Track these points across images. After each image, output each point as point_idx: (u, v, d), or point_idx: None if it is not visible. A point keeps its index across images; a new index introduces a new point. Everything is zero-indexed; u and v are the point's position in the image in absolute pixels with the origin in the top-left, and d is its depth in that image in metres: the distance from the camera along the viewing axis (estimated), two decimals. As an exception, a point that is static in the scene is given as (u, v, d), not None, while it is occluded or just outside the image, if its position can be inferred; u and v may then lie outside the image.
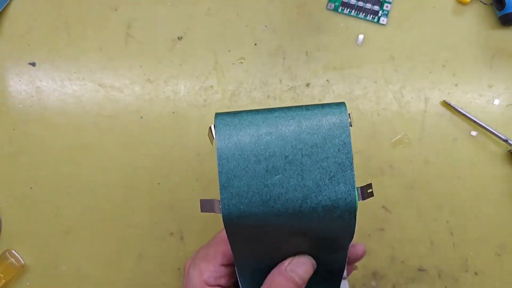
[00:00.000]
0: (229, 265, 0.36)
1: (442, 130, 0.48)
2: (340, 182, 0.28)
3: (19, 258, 0.48)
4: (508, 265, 0.47)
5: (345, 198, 0.28)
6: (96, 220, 0.48)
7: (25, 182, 0.49)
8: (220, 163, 0.28)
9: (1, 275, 0.47)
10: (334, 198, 0.28)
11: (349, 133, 0.28)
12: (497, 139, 0.47)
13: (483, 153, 0.48)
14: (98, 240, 0.48)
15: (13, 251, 0.48)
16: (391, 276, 0.47)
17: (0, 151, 0.49)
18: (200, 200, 0.29)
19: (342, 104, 0.29)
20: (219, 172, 0.28)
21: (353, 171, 0.28)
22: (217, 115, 0.29)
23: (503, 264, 0.47)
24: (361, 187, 0.29)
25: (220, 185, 0.28)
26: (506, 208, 0.47)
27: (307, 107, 0.29)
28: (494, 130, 0.47)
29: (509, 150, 0.47)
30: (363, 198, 0.29)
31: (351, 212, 0.28)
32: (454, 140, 0.48)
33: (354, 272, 0.47)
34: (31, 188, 0.48)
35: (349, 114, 0.28)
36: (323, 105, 0.29)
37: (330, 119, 0.28)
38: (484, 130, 0.47)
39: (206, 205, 0.29)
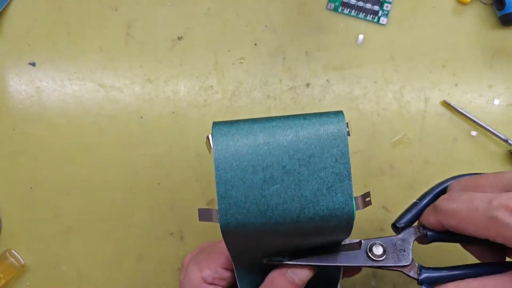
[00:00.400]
0: (229, 269, 0.36)
1: (442, 130, 0.48)
2: (338, 192, 0.28)
3: (19, 258, 0.48)
4: (508, 265, 0.47)
5: (343, 208, 0.28)
6: (96, 220, 0.48)
7: (25, 182, 0.49)
8: (218, 173, 0.28)
9: (1, 275, 0.47)
10: (332, 208, 0.28)
11: (347, 143, 0.28)
12: (497, 139, 0.47)
13: (483, 153, 0.48)
14: (98, 240, 0.48)
15: (13, 251, 0.48)
16: (391, 276, 0.47)
17: (0, 151, 0.49)
18: (198, 209, 0.29)
19: (340, 113, 0.29)
20: (216, 182, 0.28)
21: (351, 181, 0.28)
22: (215, 124, 0.29)
23: (503, 264, 0.47)
24: (359, 197, 0.29)
25: (217, 195, 0.28)
26: (506, 208, 0.47)
27: (304, 116, 0.29)
28: (494, 130, 0.47)
29: (509, 150, 0.47)
30: (361, 208, 0.29)
31: (349, 222, 0.28)
32: (454, 140, 0.48)
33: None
34: (31, 188, 0.49)
35: (347, 123, 0.28)
36: (321, 114, 0.29)
37: (327, 129, 0.28)
38: (484, 130, 0.47)
39: (204, 215, 0.29)
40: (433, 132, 0.48)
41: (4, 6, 0.49)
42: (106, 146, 0.48)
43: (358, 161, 0.48)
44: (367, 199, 0.29)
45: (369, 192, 0.29)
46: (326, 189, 0.28)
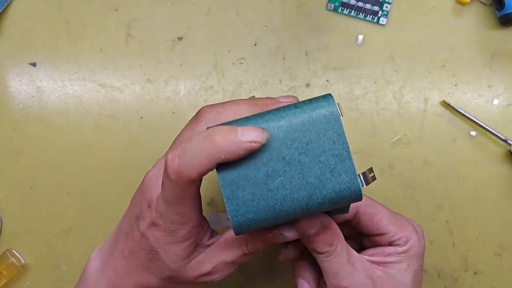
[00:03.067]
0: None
1: (442, 130, 0.48)
2: (342, 173, 0.28)
3: (20, 258, 0.48)
4: (508, 265, 0.47)
5: (349, 187, 0.28)
6: (96, 220, 0.48)
7: (25, 182, 0.49)
8: (221, 176, 0.28)
9: (4, 272, 0.47)
10: (339, 190, 0.28)
11: (341, 124, 0.28)
12: (497, 139, 0.47)
13: (483, 153, 0.48)
14: (98, 240, 0.48)
15: (13, 251, 0.48)
16: (391, 276, 0.47)
17: (0, 151, 0.49)
18: (208, 217, 0.30)
19: (329, 96, 0.29)
20: (221, 185, 0.28)
21: (351, 160, 0.28)
22: (208, 129, 0.29)
23: (503, 264, 0.47)
24: (363, 173, 0.29)
25: (224, 198, 0.28)
26: (506, 208, 0.48)
27: (295, 105, 0.29)
28: (493, 130, 0.47)
29: (508, 150, 0.47)
30: (367, 184, 0.29)
31: (358, 199, 0.29)
32: (454, 140, 0.48)
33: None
34: (31, 188, 0.49)
35: (337, 104, 0.29)
36: (310, 100, 0.29)
37: (319, 113, 0.28)
38: (483, 130, 0.48)
39: (214, 221, 0.30)
40: (433, 132, 0.48)
41: (4, 6, 0.49)
42: (106, 146, 0.48)
43: (358, 161, 0.48)
44: (371, 175, 0.29)
45: (371, 167, 0.30)
46: (329, 172, 0.28)
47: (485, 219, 0.47)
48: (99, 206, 0.48)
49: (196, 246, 0.33)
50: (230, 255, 0.33)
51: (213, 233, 0.35)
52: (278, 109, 0.29)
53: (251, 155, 0.28)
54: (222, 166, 0.28)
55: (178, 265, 0.33)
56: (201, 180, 0.31)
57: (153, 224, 0.32)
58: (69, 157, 0.49)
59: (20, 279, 0.48)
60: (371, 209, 0.36)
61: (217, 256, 0.33)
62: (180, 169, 0.28)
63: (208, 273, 0.33)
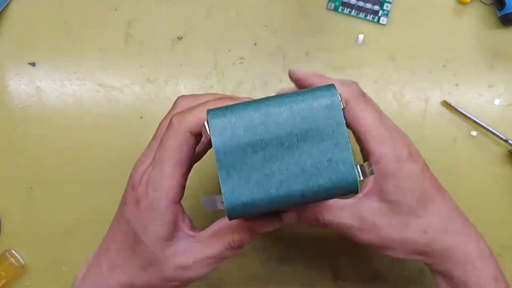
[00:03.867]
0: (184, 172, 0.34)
1: (442, 130, 0.48)
2: (339, 163, 0.28)
3: (19, 258, 0.48)
4: (509, 265, 0.47)
5: (346, 178, 0.28)
6: (96, 220, 0.48)
7: (25, 182, 0.49)
8: (218, 158, 0.28)
9: (3, 273, 0.47)
10: (335, 179, 0.28)
11: (342, 114, 0.28)
12: (497, 139, 0.47)
13: (483, 153, 0.48)
14: (98, 240, 0.48)
15: (13, 251, 0.48)
16: (391, 277, 0.47)
17: (0, 151, 0.49)
18: (202, 197, 0.30)
19: (332, 86, 0.29)
20: (218, 167, 0.28)
21: (350, 150, 0.28)
22: (209, 111, 0.29)
23: (503, 264, 0.47)
24: (361, 166, 0.29)
25: (220, 180, 0.28)
26: (507, 208, 0.47)
27: (297, 93, 0.29)
28: (494, 130, 0.47)
29: (509, 150, 0.47)
30: (364, 176, 0.29)
31: (354, 191, 0.28)
32: (455, 140, 0.48)
33: (354, 272, 0.47)
34: (31, 188, 0.48)
35: (340, 94, 0.29)
36: (313, 89, 0.29)
37: (321, 102, 0.28)
38: (484, 130, 0.47)
39: (209, 202, 0.29)
40: (434, 132, 0.48)
41: (4, 6, 0.49)
42: (106, 146, 0.48)
43: (359, 162, 0.47)
44: (369, 168, 0.29)
45: (370, 161, 0.30)
46: (327, 161, 0.28)
47: (485, 219, 0.47)
48: (99, 206, 0.48)
49: (175, 229, 0.34)
50: (213, 249, 0.34)
51: (194, 226, 0.35)
52: (280, 95, 0.29)
53: (250, 136, 0.28)
54: (220, 146, 0.28)
55: (158, 246, 0.33)
56: (193, 156, 0.34)
57: (136, 202, 0.33)
58: (68, 157, 0.48)
59: (19, 280, 0.48)
60: (358, 111, 0.35)
61: (199, 251, 0.34)
62: (184, 116, 0.32)
63: (188, 268, 0.34)
